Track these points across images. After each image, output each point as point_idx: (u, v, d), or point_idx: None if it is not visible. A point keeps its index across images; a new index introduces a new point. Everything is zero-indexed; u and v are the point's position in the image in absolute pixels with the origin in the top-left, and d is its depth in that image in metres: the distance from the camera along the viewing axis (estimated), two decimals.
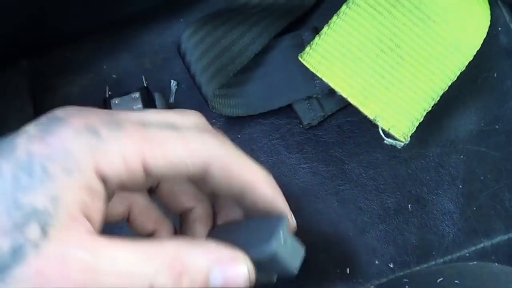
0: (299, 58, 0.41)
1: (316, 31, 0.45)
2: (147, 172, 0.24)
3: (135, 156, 0.24)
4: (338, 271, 0.43)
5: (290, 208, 0.28)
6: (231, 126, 0.45)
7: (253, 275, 0.25)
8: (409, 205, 0.43)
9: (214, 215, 0.32)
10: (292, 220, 0.29)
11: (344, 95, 0.41)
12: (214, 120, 0.45)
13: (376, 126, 0.41)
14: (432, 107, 0.42)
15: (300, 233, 0.44)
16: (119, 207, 0.30)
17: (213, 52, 0.44)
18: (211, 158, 0.25)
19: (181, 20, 0.47)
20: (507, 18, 0.46)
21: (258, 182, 0.27)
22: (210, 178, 0.26)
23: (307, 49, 0.41)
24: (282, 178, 0.45)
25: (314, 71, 0.41)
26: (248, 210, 0.29)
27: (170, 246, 0.24)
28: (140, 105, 0.43)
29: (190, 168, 0.25)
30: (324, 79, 0.41)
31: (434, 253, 0.43)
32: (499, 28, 0.46)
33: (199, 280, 0.24)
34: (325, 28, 0.41)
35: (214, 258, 0.25)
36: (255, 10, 0.46)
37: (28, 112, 0.48)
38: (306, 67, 0.42)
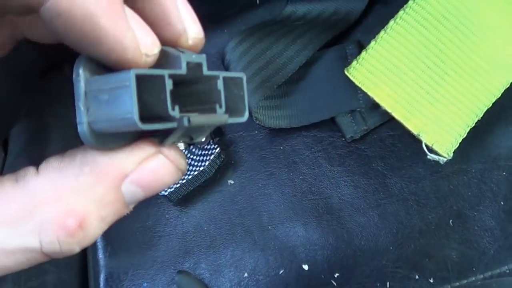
0: (345, 72, 0.42)
1: (360, 45, 0.46)
2: None
3: None
4: (378, 284, 0.43)
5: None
6: (274, 138, 0.46)
7: (179, 160, 0.21)
8: (450, 221, 0.44)
9: None
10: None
11: (389, 110, 0.41)
12: (256, 132, 0.46)
13: (418, 141, 0.41)
14: (475, 123, 0.42)
15: (342, 246, 0.44)
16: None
17: (257, 64, 0.44)
18: None
19: (225, 31, 0.48)
20: None
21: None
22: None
23: (354, 63, 0.42)
24: (324, 191, 0.45)
25: (360, 86, 0.41)
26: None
27: (41, 185, 0.20)
28: None
29: None
30: (369, 93, 0.41)
31: (474, 269, 0.43)
32: None
33: (112, 210, 0.20)
34: (372, 43, 0.42)
35: (115, 173, 0.20)
36: (299, 22, 0.46)
37: (70, 119, 0.48)
38: (349, 81, 0.42)
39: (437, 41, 0.41)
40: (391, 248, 0.44)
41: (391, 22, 0.42)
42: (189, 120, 0.18)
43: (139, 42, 0.18)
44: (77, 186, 0.19)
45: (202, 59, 0.20)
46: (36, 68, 0.46)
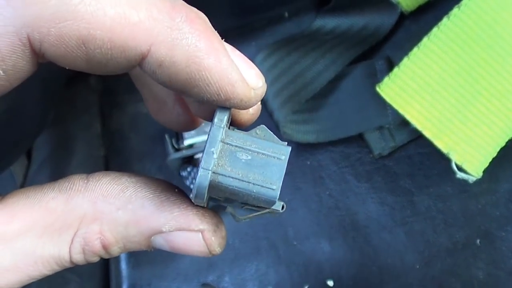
0: (377, 89, 0.41)
1: (389, 61, 0.45)
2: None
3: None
4: None
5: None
6: (301, 152, 0.45)
7: (215, 247, 0.21)
8: (478, 240, 0.43)
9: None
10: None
11: (419, 128, 0.41)
12: None
13: (446, 159, 0.41)
14: (506, 143, 0.42)
15: (368, 263, 0.44)
16: None
17: (286, 78, 0.44)
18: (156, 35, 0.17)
19: (253, 43, 0.48)
20: None
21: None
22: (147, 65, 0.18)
23: (386, 80, 0.41)
24: (350, 207, 0.45)
25: (391, 103, 0.41)
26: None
27: (84, 204, 0.20)
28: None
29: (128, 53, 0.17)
30: (400, 111, 0.41)
31: None
32: None
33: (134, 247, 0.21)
34: (405, 60, 0.41)
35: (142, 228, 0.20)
36: (328, 36, 0.46)
37: (95, 129, 0.48)
38: (378, 97, 0.41)
39: (470, 60, 0.41)
40: (417, 266, 0.43)
41: (425, 39, 0.41)
42: (283, 207, 0.20)
43: (244, 77, 0.18)
44: (114, 217, 0.20)
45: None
46: (62, 77, 0.46)
